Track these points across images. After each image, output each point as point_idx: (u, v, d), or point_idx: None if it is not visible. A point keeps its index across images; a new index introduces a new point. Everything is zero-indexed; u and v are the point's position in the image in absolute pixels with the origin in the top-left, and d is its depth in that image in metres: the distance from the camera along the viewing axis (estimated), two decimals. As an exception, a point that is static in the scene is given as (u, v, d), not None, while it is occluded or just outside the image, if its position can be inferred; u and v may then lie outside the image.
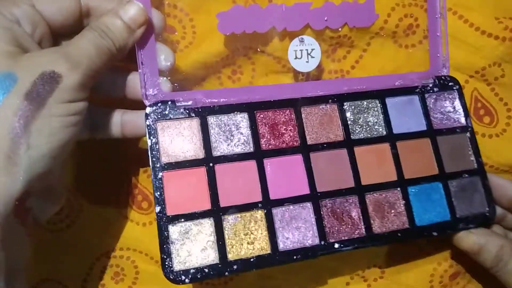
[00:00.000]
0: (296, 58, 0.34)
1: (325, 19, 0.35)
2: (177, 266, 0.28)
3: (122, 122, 0.32)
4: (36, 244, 0.33)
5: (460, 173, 0.34)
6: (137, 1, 0.29)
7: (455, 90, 0.36)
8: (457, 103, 0.36)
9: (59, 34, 0.29)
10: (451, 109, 0.36)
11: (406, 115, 0.35)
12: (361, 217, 0.32)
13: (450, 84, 0.36)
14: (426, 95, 0.36)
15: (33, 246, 0.32)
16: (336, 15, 0.35)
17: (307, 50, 0.34)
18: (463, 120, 0.36)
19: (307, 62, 0.34)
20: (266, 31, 0.34)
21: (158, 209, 0.29)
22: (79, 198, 0.35)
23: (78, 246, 0.35)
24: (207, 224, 0.29)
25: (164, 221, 0.29)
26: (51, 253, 0.35)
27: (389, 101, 0.35)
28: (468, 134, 0.35)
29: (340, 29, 0.36)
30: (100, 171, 0.35)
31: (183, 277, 0.28)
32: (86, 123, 0.31)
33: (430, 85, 0.36)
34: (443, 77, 0.36)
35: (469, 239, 0.33)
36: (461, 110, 0.36)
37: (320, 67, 0.37)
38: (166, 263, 0.28)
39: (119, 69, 0.32)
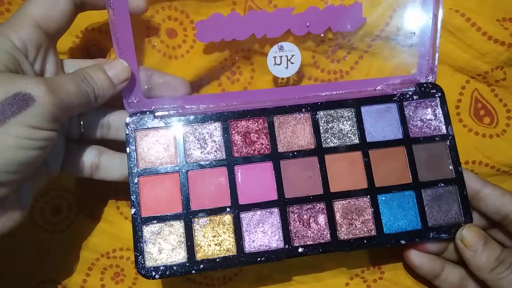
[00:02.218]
0: (275, 64, 0.35)
1: (307, 25, 0.35)
2: (149, 263, 0.31)
3: (93, 163, 0.33)
4: (36, 245, 0.37)
5: (436, 182, 0.34)
6: (122, 60, 0.32)
7: (437, 98, 0.36)
8: (439, 111, 0.36)
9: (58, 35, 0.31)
10: (432, 117, 0.36)
11: (382, 124, 0.35)
12: (327, 223, 0.33)
13: (432, 91, 0.36)
14: (405, 103, 0.36)
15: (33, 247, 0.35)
16: (319, 20, 0.35)
17: (286, 56, 0.35)
18: (443, 128, 0.35)
19: (286, 68, 0.36)
20: (246, 38, 0.35)
21: (133, 211, 0.32)
22: (78, 199, 0.37)
23: (78, 246, 0.37)
24: (178, 226, 0.32)
25: (138, 222, 0.32)
26: (51, 253, 0.37)
27: (365, 109, 0.35)
28: (448, 143, 0.35)
29: (322, 35, 0.36)
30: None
31: (154, 273, 0.31)
32: (58, 158, 0.32)
33: (410, 93, 0.36)
34: (425, 84, 0.36)
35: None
36: (442, 118, 0.35)
37: (301, 72, 0.38)
38: (139, 260, 0.31)
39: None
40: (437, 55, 0.36)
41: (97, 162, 0.33)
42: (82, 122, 0.33)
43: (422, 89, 0.36)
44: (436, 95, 0.36)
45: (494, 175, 0.39)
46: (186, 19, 0.37)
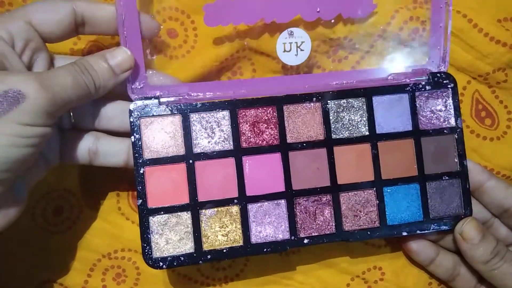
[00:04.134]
0: (284, 51, 0.34)
1: (318, 10, 0.34)
2: (156, 253, 0.32)
3: (91, 150, 0.32)
4: (37, 245, 0.36)
5: (441, 175, 0.35)
6: (126, 48, 0.30)
7: (449, 88, 0.35)
8: (450, 102, 0.35)
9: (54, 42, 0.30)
10: (442, 108, 0.35)
11: (392, 114, 0.35)
12: (333, 215, 0.33)
13: (445, 81, 0.35)
14: (417, 93, 0.35)
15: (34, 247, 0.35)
16: (330, 5, 0.34)
17: (296, 43, 0.34)
18: (452, 120, 0.35)
19: (296, 55, 0.34)
20: (255, 23, 0.33)
21: (139, 201, 0.31)
22: (79, 200, 0.37)
23: (79, 247, 0.37)
24: (185, 217, 0.32)
25: (145, 213, 0.31)
26: (52, 254, 0.36)
27: (376, 99, 0.34)
28: (455, 136, 0.35)
29: (333, 21, 0.35)
30: (101, 173, 0.36)
31: (161, 263, 0.32)
32: (55, 148, 0.31)
33: (423, 83, 0.35)
34: (438, 74, 0.35)
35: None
36: (452, 110, 0.35)
37: (311, 60, 0.37)
38: (146, 250, 0.31)
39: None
40: (449, 44, 0.35)
41: (95, 148, 0.32)
42: (72, 113, 0.32)
43: (436, 79, 0.35)
44: (449, 86, 0.35)
45: None
46: (187, 19, 0.35)
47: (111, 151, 0.32)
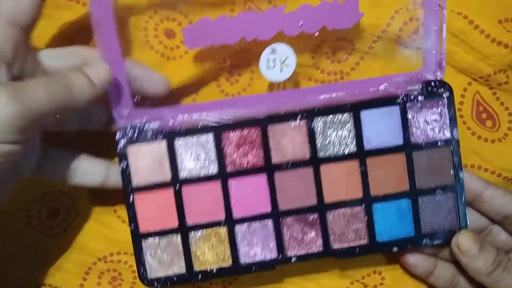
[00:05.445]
0: (268, 68, 0.33)
1: (300, 24, 0.32)
2: (150, 274, 0.33)
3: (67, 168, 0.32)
4: (32, 248, 0.37)
5: (434, 189, 0.34)
6: (103, 62, 0.30)
7: (444, 98, 0.33)
8: (445, 112, 0.33)
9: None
10: (437, 118, 0.34)
11: (382, 128, 0.33)
12: (320, 233, 0.34)
13: (439, 90, 0.33)
14: (408, 105, 0.33)
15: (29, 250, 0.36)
16: (313, 18, 0.32)
17: (280, 59, 0.33)
18: (448, 131, 0.33)
19: (280, 71, 0.33)
20: (236, 42, 0.33)
21: (132, 226, 0.33)
22: (75, 202, 0.38)
23: (75, 250, 0.37)
24: (176, 240, 0.33)
25: (137, 237, 0.33)
26: (48, 257, 0.37)
27: (364, 114, 0.33)
28: (451, 148, 0.33)
29: (317, 34, 0.33)
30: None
31: (156, 283, 0.33)
32: (31, 158, 0.31)
33: (415, 93, 0.33)
34: (432, 83, 0.33)
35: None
36: (447, 120, 0.33)
37: (297, 74, 0.36)
38: (141, 271, 0.33)
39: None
40: (444, 47, 0.33)
41: (74, 166, 0.32)
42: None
43: (429, 88, 0.33)
44: (444, 95, 0.33)
45: (495, 182, 0.38)
46: (184, 19, 0.35)
47: (89, 172, 0.33)
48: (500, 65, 0.35)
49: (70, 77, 0.28)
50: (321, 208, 0.33)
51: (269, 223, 0.33)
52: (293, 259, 0.34)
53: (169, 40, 0.35)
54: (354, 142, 0.33)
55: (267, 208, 0.33)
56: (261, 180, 0.33)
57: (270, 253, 0.34)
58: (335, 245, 0.34)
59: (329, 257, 0.34)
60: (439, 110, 0.33)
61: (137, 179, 0.33)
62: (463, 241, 0.33)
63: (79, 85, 0.28)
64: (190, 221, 0.33)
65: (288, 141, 0.33)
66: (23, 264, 0.37)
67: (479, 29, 0.34)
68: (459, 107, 0.37)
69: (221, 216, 0.33)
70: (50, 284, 0.37)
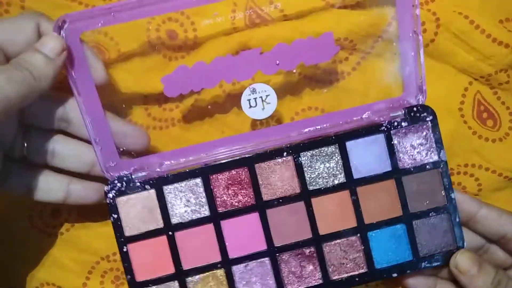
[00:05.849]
0: (250, 107, 0.33)
1: (277, 63, 0.32)
2: (151, 317, 0.33)
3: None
4: (35, 248, 0.36)
5: (427, 212, 0.34)
6: (54, 32, 0.29)
7: (428, 122, 0.33)
8: (430, 135, 0.33)
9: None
10: (423, 141, 0.34)
11: (369, 157, 0.34)
12: (318, 266, 0.33)
13: (423, 115, 0.33)
14: (393, 131, 0.33)
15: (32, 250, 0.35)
16: (289, 56, 0.32)
17: (261, 97, 0.33)
18: (435, 154, 0.33)
19: (262, 109, 0.33)
20: (215, 86, 0.33)
21: (128, 277, 0.33)
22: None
23: (78, 250, 0.37)
24: (173, 286, 0.33)
25: (135, 287, 0.33)
26: (50, 257, 0.37)
27: (350, 144, 0.33)
28: (440, 169, 0.33)
29: (294, 70, 0.33)
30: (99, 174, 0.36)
31: (157, 325, 0.33)
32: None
33: (398, 120, 0.33)
34: (414, 108, 0.33)
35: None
36: (433, 143, 0.33)
37: (279, 110, 0.36)
38: (142, 315, 0.33)
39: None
40: (423, 72, 0.33)
41: (36, 183, 0.32)
42: (26, 144, 0.32)
43: (412, 114, 0.33)
44: (427, 119, 0.33)
45: (496, 181, 0.38)
46: (186, 20, 0.35)
47: (52, 188, 0.33)
48: (501, 65, 0.36)
49: (26, 60, 0.28)
50: (317, 240, 0.33)
51: (266, 260, 0.33)
52: (293, 295, 0.33)
53: (171, 41, 0.35)
54: (343, 172, 0.33)
55: (262, 246, 0.33)
56: (253, 218, 0.33)
57: (270, 291, 0.34)
58: (334, 276, 0.34)
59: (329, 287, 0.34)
60: (424, 133, 0.33)
61: (129, 230, 0.33)
62: (462, 262, 0.33)
63: (38, 65, 0.28)
64: (186, 266, 0.33)
65: (277, 178, 0.33)
66: (26, 264, 0.37)
67: (479, 29, 0.35)
68: (460, 107, 0.37)
69: (217, 258, 0.33)
70: (53, 283, 0.37)
